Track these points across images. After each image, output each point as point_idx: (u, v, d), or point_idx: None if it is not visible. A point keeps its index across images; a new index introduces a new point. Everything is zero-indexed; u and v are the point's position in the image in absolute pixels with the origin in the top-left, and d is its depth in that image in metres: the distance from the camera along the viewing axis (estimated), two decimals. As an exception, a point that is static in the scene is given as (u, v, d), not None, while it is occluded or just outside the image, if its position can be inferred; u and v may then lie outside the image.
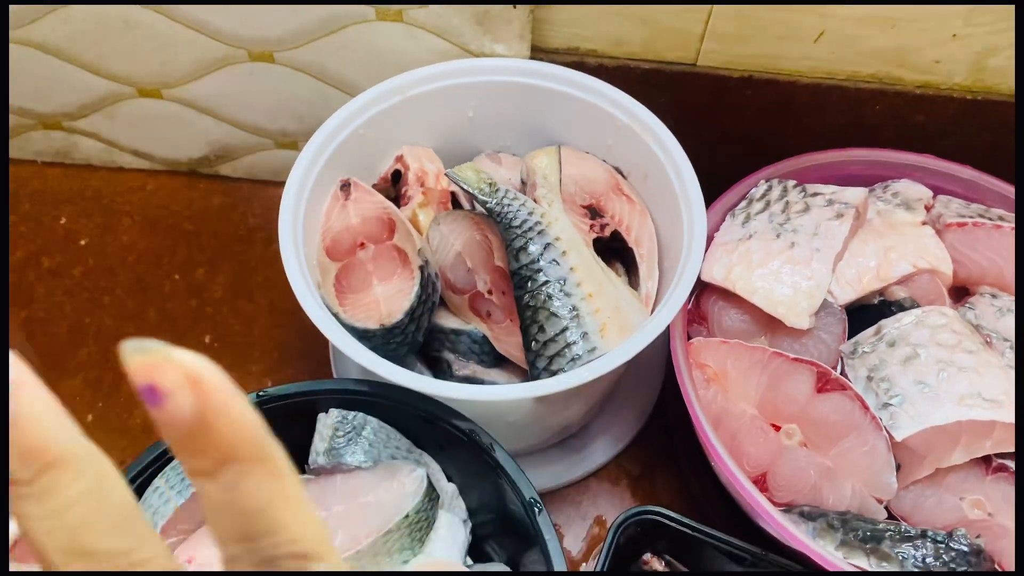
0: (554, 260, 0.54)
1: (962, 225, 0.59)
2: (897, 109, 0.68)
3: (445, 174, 0.58)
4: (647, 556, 0.55)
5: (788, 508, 0.52)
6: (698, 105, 0.68)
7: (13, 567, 0.43)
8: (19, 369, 0.18)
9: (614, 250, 0.63)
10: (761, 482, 0.54)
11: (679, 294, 0.53)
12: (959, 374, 0.52)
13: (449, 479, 0.55)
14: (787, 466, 0.53)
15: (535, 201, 0.57)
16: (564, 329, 0.52)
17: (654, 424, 0.69)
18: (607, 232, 0.61)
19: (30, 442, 0.18)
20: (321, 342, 0.70)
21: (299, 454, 0.54)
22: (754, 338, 0.58)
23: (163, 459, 0.50)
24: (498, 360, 0.60)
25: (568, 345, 0.52)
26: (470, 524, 0.56)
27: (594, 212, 0.63)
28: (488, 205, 0.56)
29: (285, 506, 0.19)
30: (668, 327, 0.52)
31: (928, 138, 0.68)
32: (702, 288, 0.61)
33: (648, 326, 0.51)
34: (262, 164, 0.80)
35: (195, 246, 0.77)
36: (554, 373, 0.53)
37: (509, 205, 0.56)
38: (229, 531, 0.19)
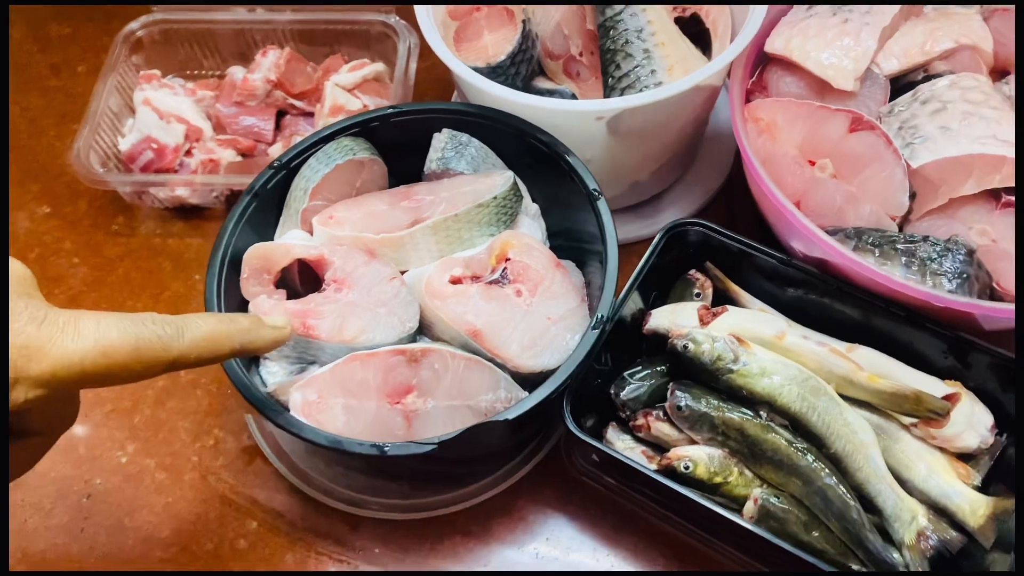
0: (633, 14, 0.65)
1: (1007, 10, 0.65)
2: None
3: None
4: (692, 271, 0.66)
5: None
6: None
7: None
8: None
9: (696, 35, 0.73)
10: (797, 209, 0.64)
11: (736, 46, 0.63)
12: (980, 122, 0.60)
13: (534, 200, 0.68)
14: (817, 193, 0.62)
15: (624, -26, 0.68)
16: (636, 66, 0.64)
17: (719, 203, 0.79)
18: (687, 13, 0.71)
19: None
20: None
21: (416, 172, 0.68)
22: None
23: (317, 147, 0.65)
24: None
25: (639, 78, 0.63)
26: (548, 243, 0.68)
27: (677, -1, 0.73)
28: (583, -28, 0.67)
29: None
30: (729, 92, 0.62)
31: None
32: (765, 64, 0.70)
33: (707, 66, 0.62)
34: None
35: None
36: (626, 103, 0.64)
37: (601, -28, 0.67)
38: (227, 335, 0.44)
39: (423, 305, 0.58)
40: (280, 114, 0.84)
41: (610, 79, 0.65)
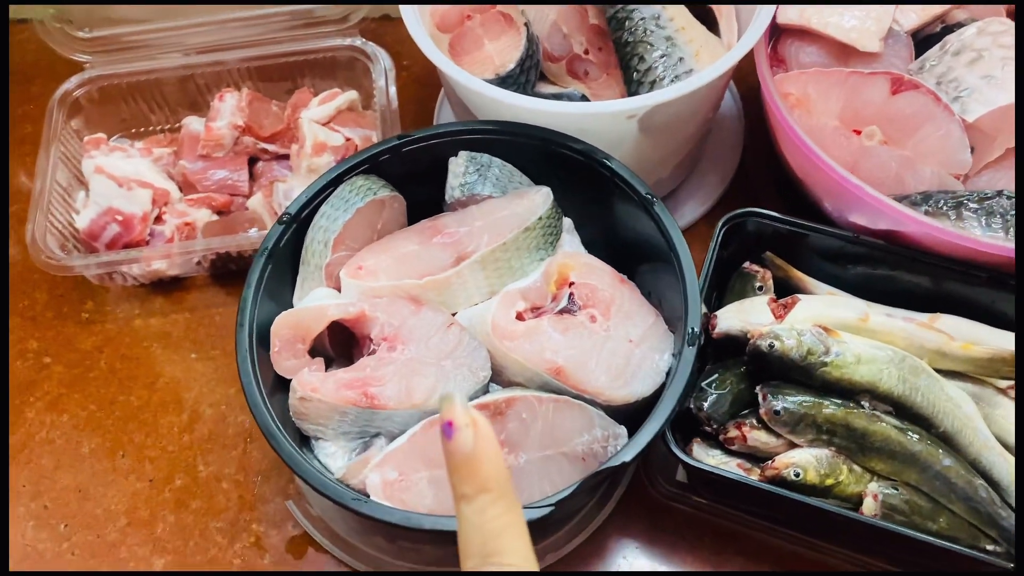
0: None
1: (1016, -52, 0.64)
2: None
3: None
4: (747, 263, 0.62)
5: (873, 201, 0.59)
6: None
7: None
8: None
9: (701, 16, 0.69)
10: (848, 184, 0.60)
11: (761, 22, 0.59)
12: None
13: (565, 214, 0.63)
14: (869, 163, 0.59)
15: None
16: (662, 56, 0.59)
17: (737, 188, 0.75)
18: (689, -7, 0.67)
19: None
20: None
21: (431, 203, 0.61)
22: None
23: (327, 191, 0.58)
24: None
25: (668, 68, 0.59)
26: (585, 256, 0.63)
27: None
28: (580, -36, 0.62)
29: (515, 534, 0.28)
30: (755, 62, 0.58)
31: None
32: (778, 36, 0.67)
33: (737, 47, 0.58)
34: None
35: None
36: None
37: (600, -39, 0.62)
38: (472, 546, 0.28)
39: (491, 349, 0.52)
40: (252, 161, 0.76)
41: (635, 73, 0.60)
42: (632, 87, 0.61)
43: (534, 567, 0.29)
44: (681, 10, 0.62)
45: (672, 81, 0.58)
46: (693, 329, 0.50)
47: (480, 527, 0.28)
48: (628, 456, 0.46)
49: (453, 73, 0.58)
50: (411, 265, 0.55)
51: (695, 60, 0.59)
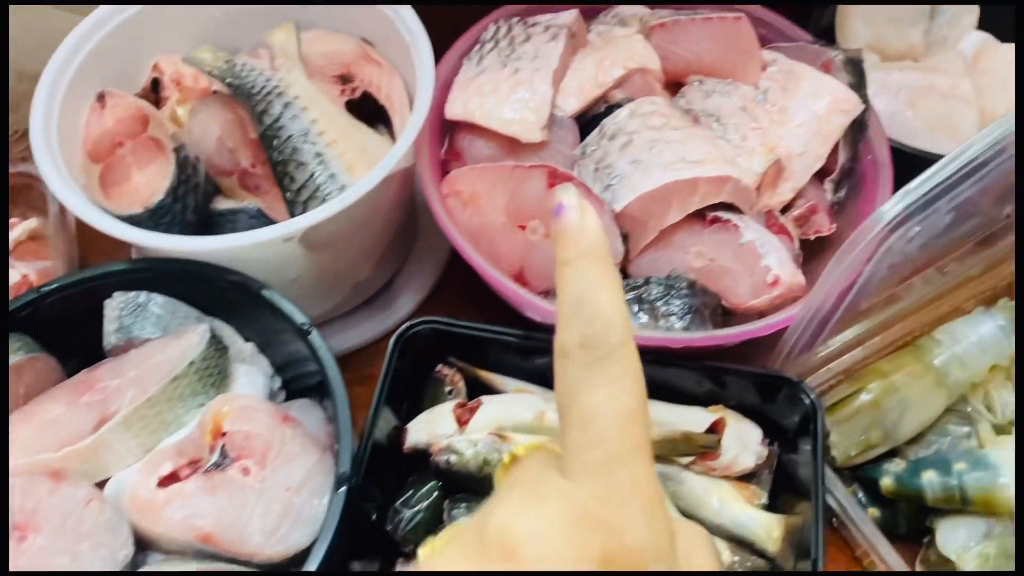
0: (294, 115, 0.59)
1: (663, 25, 0.66)
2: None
3: (183, 59, 0.62)
4: (439, 367, 0.61)
5: (546, 293, 0.59)
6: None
7: None
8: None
9: (374, 112, 0.68)
10: (522, 277, 0.60)
11: (413, 125, 0.58)
12: (667, 147, 0.59)
13: (247, 339, 0.60)
14: (537, 257, 0.59)
15: (275, 70, 0.62)
16: (312, 175, 0.57)
17: (456, 271, 0.75)
18: (357, 94, 0.66)
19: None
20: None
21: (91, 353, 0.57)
22: (502, 161, 0.64)
23: None
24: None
25: (318, 188, 0.57)
26: (279, 379, 0.61)
27: (345, 79, 0.67)
28: (227, 80, 0.60)
29: (610, 291, 0.29)
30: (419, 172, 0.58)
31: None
32: (454, 129, 0.66)
33: (388, 156, 0.57)
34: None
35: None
36: (313, 216, 0.57)
37: (247, 76, 0.60)
38: (567, 308, 0.29)
39: (133, 522, 0.49)
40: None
41: (288, 193, 0.58)
42: (289, 207, 0.59)
43: (625, 319, 0.29)
44: (336, 120, 0.60)
45: (323, 201, 0.57)
46: (344, 472, 0.49)
47: (577, 282, 0.29)
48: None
49: (83, 213, 0.54)
50: (55, 433, 0.51)
51: (348, 174, 0.58)
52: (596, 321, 0.28)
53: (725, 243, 0.59)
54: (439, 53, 0.68)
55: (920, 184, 0.45)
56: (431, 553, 0.31)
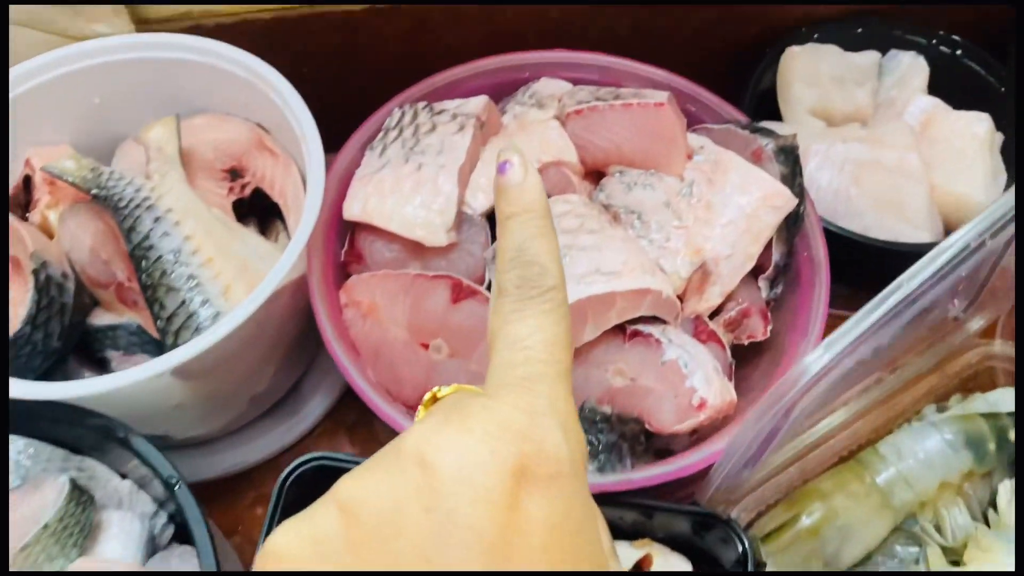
0: (166, 232, 0.53)
1: (579, 112, 0.60)
2: (531, 10, 0.68)
3: (41, 169, 0.56)
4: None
5: (452, 420, 0.54)
6: (330, 45, 0.67)
7: None
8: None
9: (269, 208, 0.62)
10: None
11: (300, 236, 0.53)
12: (581, 255, 0.54)
13: (124, 476, 0.54)
14: (441, 379, 0.54)
15: (148, 176, 0.56)
16: (183, 302, 0.52)
17: (370, 369, 0.69)
18: (247, 192, 0.60)
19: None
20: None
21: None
22: (407, 265, 0.58)
23: None
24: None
25: (191, 316, 0.51)
26: (163, 514, 0.55)
27: (235, 174, 0.61)
28: (93, 192, 0.54)
29: (549, 242, 0.31)
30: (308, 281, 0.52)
31: (565, 33, 0.70)
32: (355, 227, 0.60)
33: (270, 276, 0.51)
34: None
35: None
36: (185, 347, 0.52)
37: (114, 187, 0.54)
38: (507, 255, 0.31)
39: None
40: None
41: (158, 321, 0.52)
42: (161, 335, 0.53)
43: (560, 268, 0.31)
44: (215, 233, 0.54)
45: (195, 332, 0.51)
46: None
47: (518, 233, 0.31)
48: None
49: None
50: None
51: (223, 299, 0.52)
52: (533, 267, 0.31)
53: (647, 361, 0.54)
54: (343, 137, 0.62)
55: (844, 333, 0.40)
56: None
